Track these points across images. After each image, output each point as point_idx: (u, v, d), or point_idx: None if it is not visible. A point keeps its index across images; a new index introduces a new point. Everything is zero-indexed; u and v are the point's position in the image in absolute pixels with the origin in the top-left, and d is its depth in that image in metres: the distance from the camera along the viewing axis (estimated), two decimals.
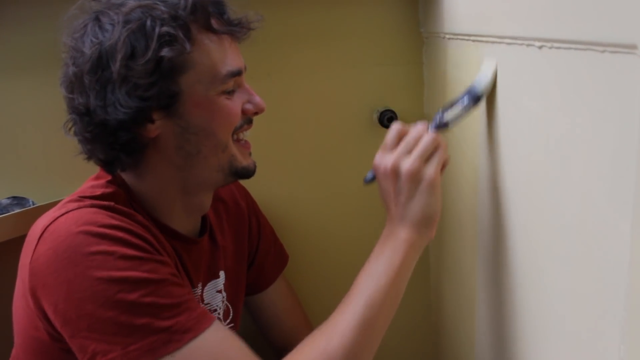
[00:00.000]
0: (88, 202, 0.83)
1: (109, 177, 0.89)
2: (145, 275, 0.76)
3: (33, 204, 1.11)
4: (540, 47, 0.69)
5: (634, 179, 0.52)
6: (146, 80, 0.80)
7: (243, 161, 0.92)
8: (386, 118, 1.20)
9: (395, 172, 0.85)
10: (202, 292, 1.00)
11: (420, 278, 1.38)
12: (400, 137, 0.88)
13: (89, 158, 0.91)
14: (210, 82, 0.85)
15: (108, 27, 0.81)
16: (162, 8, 0.81)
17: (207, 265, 1.01)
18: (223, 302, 1.04)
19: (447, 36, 1.06)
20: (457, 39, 1.01)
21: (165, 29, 0.80)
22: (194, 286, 0.96)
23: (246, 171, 0.93)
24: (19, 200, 1.12)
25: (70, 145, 1.13)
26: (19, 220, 1.07)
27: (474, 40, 0.93)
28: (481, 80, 0.87)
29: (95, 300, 0.74)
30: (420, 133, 0.87)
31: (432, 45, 1.18)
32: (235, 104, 0.89)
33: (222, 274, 1.04)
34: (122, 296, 0.74)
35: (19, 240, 1.07)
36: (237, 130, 0.91)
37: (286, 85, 1.19)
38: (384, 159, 0.87)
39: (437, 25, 1.11)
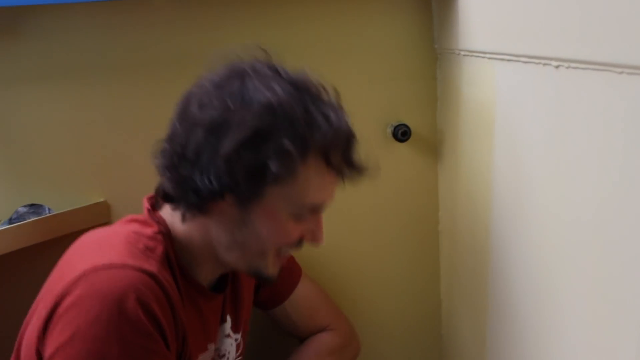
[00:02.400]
0: (132, 260, 0.80)
1: (156, 227, 0.88)
2: None
3: (49, 212, 1.12)
4: (557, 67, 0.70)
5: None
6: (242, 175, 0.79)
7: (270, 270, 0.91)
8: (400, 132, 1.21)
9: None
10: (217, 340, 1.00)
11: (430, 291, 1.38)
12: None
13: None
14: (291, 204, 0.84)
15: (247, 99, 0.80)
16: (301, 121, 0.80)
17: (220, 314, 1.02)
18: (233, 345, 1.04)
19: (462, 53, 1.07)
20: (472, 56, 1.02)
21: (288, 144, 0.78)
22: (211, 340, 0.97)
23: (266, 281, 0.94)
24: (35, 209, 1.13)
25: (87, 154, 1.15)
26: (36, 228, 1.08)
27: (489, 58, 0.94)
28: None
29: None
30: None
31: (446, 61, 1.19)
32: (297, 230, 0.88)
33: (228, 317, 1.03)
34: None
35: (36, 248, 1.09)
36: (284, 248, 0.91)
37: None
38: None
39: (451, 41, 1.12)
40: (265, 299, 1.15)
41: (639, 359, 0.58)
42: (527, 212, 0.85)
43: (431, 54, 1.23)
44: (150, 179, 1.17)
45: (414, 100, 1.25)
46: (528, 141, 0.82)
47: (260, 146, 0.79)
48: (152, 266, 0.80)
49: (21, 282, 1.16)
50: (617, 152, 0.58)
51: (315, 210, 0.88)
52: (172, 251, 0.87)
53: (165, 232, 0.88)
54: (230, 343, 1.03)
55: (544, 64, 0.73)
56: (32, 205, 1.13)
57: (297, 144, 0.79)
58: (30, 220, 1.09)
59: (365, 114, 1.24)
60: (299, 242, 0.91)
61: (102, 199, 1.16)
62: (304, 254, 1.22)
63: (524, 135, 0.84)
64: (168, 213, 0.90)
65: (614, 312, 0.63)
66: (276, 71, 0.84)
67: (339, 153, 0.85)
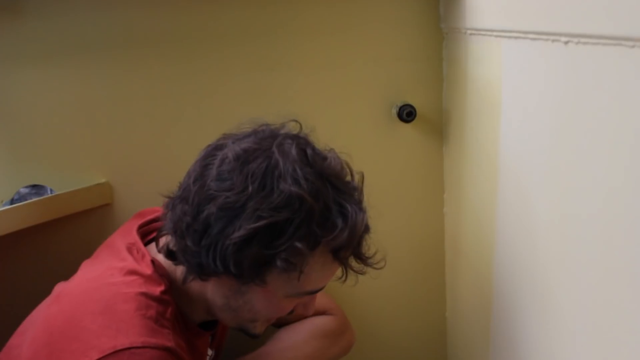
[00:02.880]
0: (148, 336, 0.77)
1: (162, 286, 0.85)
2: None
3: (51, 193, 1.12)
4: (566, 43, 0.68)
5: None
6: (248, 263, 0.78)
7: (258, 330, 0.93)
8: (405, 113, 1.19)
9: None
10: None
11: (434, 272, 1.38)
12: None
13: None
14: (290, 289, 0.84)
15: (268, 185, 0.77)
16: (318, 218, 0.78)
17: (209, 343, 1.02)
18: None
19: (469, 32, 1.06)
20: (479, 34, 1.01)
21: (298, 243, 0.77)
22: None
23: (252, 336, 0.94)
24: (37, 189, 1.13)
25: (89, 134, 1.14)
26: (37, 209, 1.08)
27: (496, 36, 0.92)
28: None
29: None
30: None
31: (452, 40, 1.17)
32: (291, 305, 0.89)
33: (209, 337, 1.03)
34: None
35: (37, 228, 1.08)
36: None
37: (305, 79, 1.19)
38: None
39: (458, 20, 1.10)
40: None
41: None
42: (534, 193, 0.84)
43: (437, 34, 1.22)
44: (152, 159, 1.17)
45: (419, 81, 1.24)
46: (536, 120, 0.81)
47: (271, 240, 0.77)
48: (168, 340, 0.78)
49: (22, 262, 1.16)
50: (631, 128, 0.57)
51: (313, 294, 0.88)
52: (176, 304, 0.86)
53: (170, 288, 0.86)
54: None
55: (553, 40, 0.71)
56: (34, 186, 1.13)
57: (309, 242, 0.78)
58: (32, 200, 1.08)
59: (370, 95, 1.23)
60: (290, 312, 0.91)
61: (103, 180, 1.16)
62: None
63: (531, 114, 0.83)
64: (169, 264, 0.88)
65: (618, 308, 0.62)
66: (304, 153, 0.81)
67: (349, 250, 0.84)
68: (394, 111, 1.22)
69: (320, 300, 1.19)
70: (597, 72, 0.63)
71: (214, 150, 0.83)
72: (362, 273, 0.87)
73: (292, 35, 1.18)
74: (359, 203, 0.84)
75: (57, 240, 1.15)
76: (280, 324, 1.16)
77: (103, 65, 1.12)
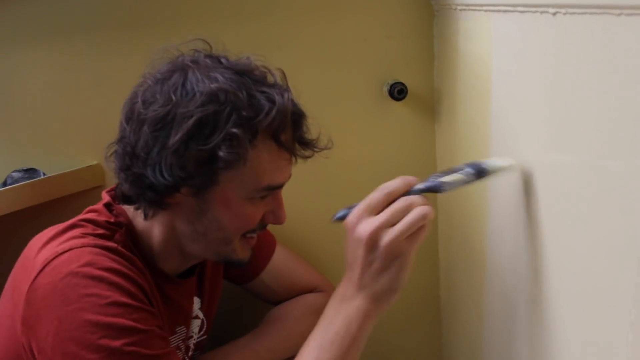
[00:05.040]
0: (92, 241, 0.82)
1: (112, 218, 0.89)
2: (132, 324, 0.77)
3: (44, 175, 1.11)
4: (554, 14, 0.68)
5: None
6: (193, 165, 0.80)
7: (240, 255, 0.92)
8: (396, 90, 1.19)
9: (373, 242, 0.77)
10: (188, 323, 1.01)
11: (428, 251, 1.38)
12: (388, 202, 0.79)
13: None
14: (246, 188, 0.85)
15: (189, 90, 0.81)
16: (245, 104, 0.81)
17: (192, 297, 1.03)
18: (199, 326, 1.05)
19: (459, 7, 1.05)
20: (469, 9, 1.00)
21: (234, 130, 0.79)
22: (180, 323, 0.98)
23: (238, 264, 0.94)
24: (30, 173, 1.12)
25: (80, 116, 1.14)
26: (30, 191, 1.08)
27: (486, 10, 0.92)
28: (491, 162, 0.84)
29: (80, 341, 0.75)
30: (411, 204, 0.78)
31: (443, 17, 1.17)
32: (257, 211, 0.89)
33: (196, 299, 1.03)
34: (106, 342, 0.75)
35: (29, 211, 1.08)
36: (249, 232, 0.92)
37: (296, 58, 1.19)
38: (363, 224, 0.77)
39: None
40: (238, 273, 1.14)
41: (632, 354, 0.58)
42: (525, 168, 0.84)
43: (428, 11, 1.22)
44: None
45: (410, 58, 1.24)
46: (526, 93, 0.81)
47: (207, 135, 0.80)
48: (112, 244, 0.83)
49: (15, 245, 1.15)
50: (621, 97, 0.57)
51: (272, 191, 0.88)
52: (131, 242, 0.88)
53: (125, 223, 0.89)
54: (197, 324, 1.04)
55: (541, 12, 0.71)
56: (27, 170, 1.13)
57: (244, 128, 0.80)
58: (24, 183, 1.08)
59: (361, 73, 1.23)
60: (262, 225, 0.92)
61: (95, 162, 1.15)
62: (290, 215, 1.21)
63: (521, 87, 0.83)
64: (130, 211, 0.91)
65: (611, 262, 0.62)
66: (217, 60, 0.85)
67: (288, 133, 0.86)
68: (385, 89, 1.22)
69: (311, 276, 1.21)
70: (585, 41, 0.63)
71: (136, 88, 0.87)
72: (310, 157, 0.90)
73: (282, 15, 1.17)
74: (285, 89, 0.86)
75: (49, 222, 1.14)
76: (272, 300, 1.18)
77: (93, 47, 1.12)
